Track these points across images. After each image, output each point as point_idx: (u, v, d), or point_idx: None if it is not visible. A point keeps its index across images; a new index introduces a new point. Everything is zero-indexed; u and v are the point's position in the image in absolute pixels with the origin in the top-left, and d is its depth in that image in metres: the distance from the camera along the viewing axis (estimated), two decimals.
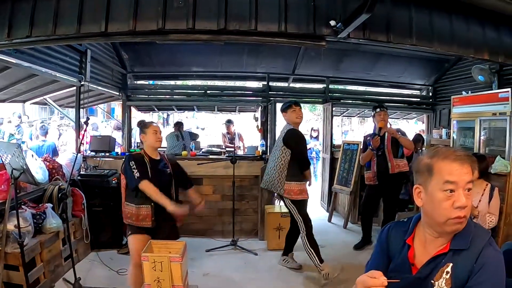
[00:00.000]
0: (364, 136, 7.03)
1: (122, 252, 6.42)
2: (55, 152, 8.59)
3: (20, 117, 11.42)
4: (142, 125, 4.93)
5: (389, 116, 7.51)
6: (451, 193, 1.79)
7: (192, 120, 22.65)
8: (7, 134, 11.06)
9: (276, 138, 6.29)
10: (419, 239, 1.99)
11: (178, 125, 10.81)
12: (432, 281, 1.83)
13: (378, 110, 6.68)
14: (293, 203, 5.67)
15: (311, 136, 13.57)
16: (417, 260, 1.95)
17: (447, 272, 1.80)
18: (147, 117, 13.79)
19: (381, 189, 6.76)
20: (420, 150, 8.74)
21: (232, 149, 8.31)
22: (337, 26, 4.43)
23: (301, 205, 5.68)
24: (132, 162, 4.48)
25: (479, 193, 4.75)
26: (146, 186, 4.39)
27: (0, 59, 5.28)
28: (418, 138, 8.95)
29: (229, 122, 11.84)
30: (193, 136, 10.99)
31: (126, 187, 4.62)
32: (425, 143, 9.26)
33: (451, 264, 1.81)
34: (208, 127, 20.52)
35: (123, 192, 4.67)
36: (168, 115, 21.03)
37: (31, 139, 10.94)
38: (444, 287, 1.79)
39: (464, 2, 4.77)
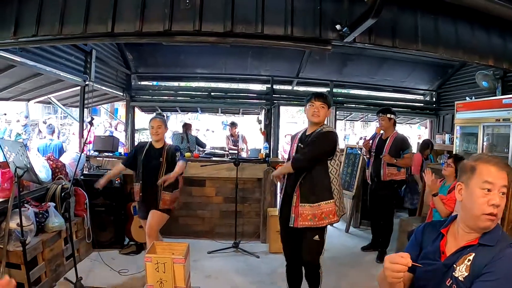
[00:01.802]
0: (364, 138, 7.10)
1: (123, 252, 6.42)
2: (62, 151, 8.60)
3: (27, 117, 11.46)
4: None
5: None
6: (488, 192, 2.00)
7: (195, 122, 22.62)
8: (14, 133, 11.10)
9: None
10: (452, 232, 2.20)
11: (186, 127, 10.77)
12: (455, 265, 2.02)
13: (380, 114, 6.70)
14: None
15: None
16: (448, 249, 2.14)
17: (469, 260, 1.98)
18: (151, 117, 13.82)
19: (373, 191, 6.93)
20: (430, 156, 8.68)
21: (236, 152, 8.28)
22: (343, 30, 4.42)
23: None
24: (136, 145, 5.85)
25: None
26: None
27: (5, 57, 5.28)
28: (426, 144, 8.83)
29: (232, 124, 11.81)
30: (200, 143, 10.90)
31: None
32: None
33: (473, 254, 1.98)
34: (213, 129, 20.50)
35: None
36: (167, 116, 20.97)
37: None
38: (464, 272, 1.97)
39: (470, 8, 4.77)
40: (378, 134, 6.85)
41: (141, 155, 5.42)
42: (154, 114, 8.20)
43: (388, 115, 6.63)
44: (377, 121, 6.95)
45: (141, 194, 5.39)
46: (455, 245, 2.11)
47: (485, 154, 2.19)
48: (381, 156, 6.55)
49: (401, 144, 6.58)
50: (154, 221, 5.27)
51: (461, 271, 1.98)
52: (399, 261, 1.91)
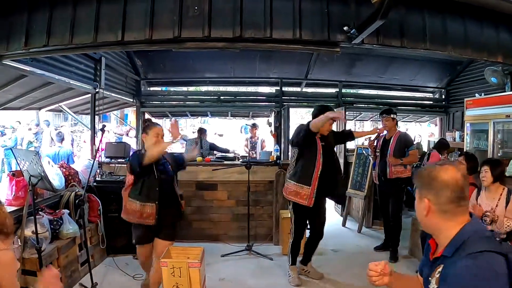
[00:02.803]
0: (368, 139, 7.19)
1: (137, 258, 6.45)
2: (71, 158, 8.66)
3: (37, 125, 11.55)
4: (146, 125, 4.93)
5: (402, 120, 7.51)
6: None
7: (205, 126, 22.60)
8: (25, 142, 11.19)
9: None
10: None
11: (201, 132, 10.78)
12: (430, 278, 2.06)
13: (384, 115, 6.81)
14: (289, 204, 5.68)
15: None
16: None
17: (439, 272, 1.99)
18: (161, 123, 13.77)
19: (382, 191, 7.02)
20: (447, 155, 8.63)
21: (247, 154, 8.29)
22: (351, 32, 4.44)
23: (296, 209, 5.56)
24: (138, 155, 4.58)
25: (495, 198, 4.74)
26: (151, 152, 4.48)
27: (16, 67, 5.35)
28: (445, 144, 8.77)
29: (253, 125, 11.72)
30: (216, 148, 10.86)
31: (133, 184, 4.69)
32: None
33: (442, 265, 1.98)
34: (224, 133, 20.42)
35: (127, 190, 4.75)
36: (177, 120, 20.97)
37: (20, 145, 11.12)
38: (434, 285, 1.99)
39: (478, 6, 4.77)
40: (381, 134, 6.89)
41: (152, 170, 4.62)
42: (153, 121, 8.07)
43: (392, 115, 6.73)
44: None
45: (157, 216, 4.57)
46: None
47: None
48: (386, 159, 6.61)
49: (405, 142, 6.66)
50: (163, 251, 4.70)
51: (433, 284, 2.00)
52: (372, 268, 2.28)
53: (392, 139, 6.66)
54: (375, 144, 6.94)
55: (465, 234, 1.95)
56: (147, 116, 10.53)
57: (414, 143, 7.25)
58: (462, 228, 1.97)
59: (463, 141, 8.50)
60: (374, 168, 7.09)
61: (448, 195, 1.98)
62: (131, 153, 7.37)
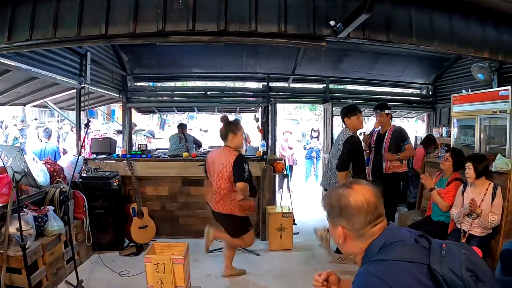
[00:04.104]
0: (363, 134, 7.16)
1: (124, 254, 6.42)
2: (57, 155, 8.58)
3: (23, 121, 11.46)
4: (234, 125, 5.51)
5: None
6: None
7: (192, 122, 22.49)
8: (11, 137, 11.09)
9: (334, 141, 6.50)
10: None
11: (181, 127, 10.71)
12: None
13: (378, 111, 6.80)
14: None
15: (311, 136, 13.49)
16: None
17: None
18: (148, 118, 13.68)
19: (377, 186, 6.83)
20: (435, 151, 8.64)
21: None
22: (337, 26, 4.43)
23: None
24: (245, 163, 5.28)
25: (481, 193, 4.76)
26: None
27: (0, 62, 5.28)
28: (432, 140, 8.79)
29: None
30: (197, 143, 10.84)
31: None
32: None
33: None
34: (209, 129, 20.36)
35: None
36: (166, 116, 20.92)
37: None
38: None
39: (464, 1, 4.78)
40: (376, 128, 6.90)
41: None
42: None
43: (386, 111, 6.72)
44: (374, 116, 6.99)
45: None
46: None
47: None
48: (382, 154, 6.63)
49: (401, 136, 6.66)
50: None
51: None
52: (315, 278, 2.29)
53: (387, 134, 6.67)
54: (370, 139, 6.93)
55: (373, 246, 1.92)
56: (133, 111, 10.48)
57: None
58: (371, 242, 1.93)
59: (450, 137, 8.53)
60: (368, 164, 7.02)
61: (362, 220, 1.92)
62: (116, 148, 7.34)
